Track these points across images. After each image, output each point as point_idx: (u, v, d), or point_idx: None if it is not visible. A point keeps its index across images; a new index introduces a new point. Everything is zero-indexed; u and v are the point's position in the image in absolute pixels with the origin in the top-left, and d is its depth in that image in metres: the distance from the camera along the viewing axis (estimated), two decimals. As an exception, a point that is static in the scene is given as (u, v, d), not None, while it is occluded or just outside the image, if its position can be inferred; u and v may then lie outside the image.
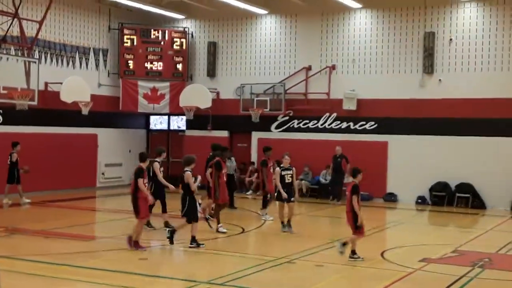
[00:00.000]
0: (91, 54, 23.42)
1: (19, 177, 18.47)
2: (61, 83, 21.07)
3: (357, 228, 11.38)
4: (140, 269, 10.62)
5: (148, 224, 14.38)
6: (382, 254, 12.32)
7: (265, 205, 16.74)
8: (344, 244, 11.49)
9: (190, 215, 12.31)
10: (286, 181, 14.29)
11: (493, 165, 20.11)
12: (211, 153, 15.63)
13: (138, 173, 12.02)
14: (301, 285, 9.84)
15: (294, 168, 14.65)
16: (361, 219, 11.38)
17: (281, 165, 14.51)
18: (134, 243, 12.00)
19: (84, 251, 12.04)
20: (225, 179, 14.42)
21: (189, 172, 12.31)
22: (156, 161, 14.38)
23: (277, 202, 14.95)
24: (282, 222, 14.58)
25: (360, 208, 11.38)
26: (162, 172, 14.45)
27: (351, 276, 10.67)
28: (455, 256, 12.33)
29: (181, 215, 12.53)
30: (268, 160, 16.80)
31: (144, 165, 12.35)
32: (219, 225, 14.32)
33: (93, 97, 21.83)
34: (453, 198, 20.56)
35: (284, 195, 14.12)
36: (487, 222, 18.46)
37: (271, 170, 16.42)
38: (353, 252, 11.49)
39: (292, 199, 14.34)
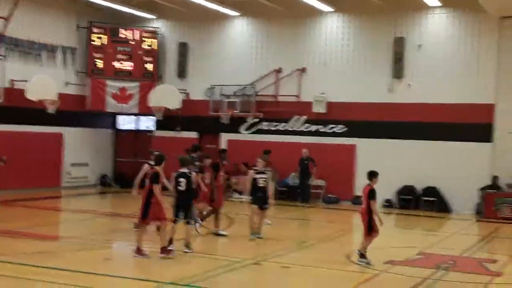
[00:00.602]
0: (59, 52, 23.02)
1: None
2: (27, 81, 20.73)
3: (370, 231, 11.39)
4: (104, 270, 10.47)
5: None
6: (348, 256, 12.35)
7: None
8: (362, 254, 11.45)
9: (193, 219, 12.07)
10: (260, 185, 13.61)
11: (458, 169, 20.35)
12: (193, 155, 14.72)
13: (154, 178, 11.35)
14: (267, 286, 9.80)
15: (270, 172, 14.13)
16: (379, 223, 11.41)
17: (255, 167, 13.88)
18: (136, 250, 11.43)
19: (47, 251, 11.84)
20: (221, 182, 14.03)
21: (194, 173, 11.92)
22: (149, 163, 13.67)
23: (252, 206, 13.81)
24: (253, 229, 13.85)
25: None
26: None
27: (317, 278, 10.66)
28: (420, 258, 12.43)
29: (186, 220, 11.84)
30: (268, 163, 15.90)
31: (160, 169, 11.65)
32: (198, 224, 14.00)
33: (60, 95, 21.52)
34: (420, 202, 20.76)
35: (246, 197, 13.71)
36: (452, 225, 18.69)
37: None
38: (362, 255, 11.45)
39: (266, 206, 13.73)
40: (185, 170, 11.77)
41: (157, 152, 13.09)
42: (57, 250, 12.06)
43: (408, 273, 10.99)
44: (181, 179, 11.65)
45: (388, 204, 21.26)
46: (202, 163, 14.67)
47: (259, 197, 13.66)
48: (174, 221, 11.84)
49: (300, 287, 10.04)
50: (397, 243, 14.50)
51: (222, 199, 14.31)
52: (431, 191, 20.68)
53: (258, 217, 13.87)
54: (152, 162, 13.55)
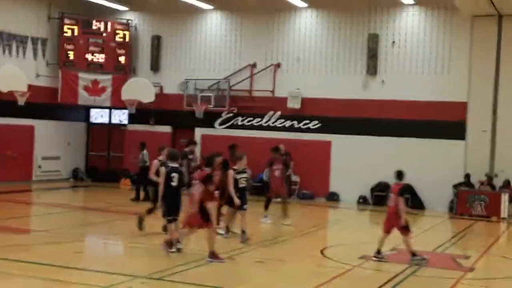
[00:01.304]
0: (29, 43, 22.58)
1: None
2: (-3, 72, 20.29)
3: (406, 228, 11.56)
4: (75, 263, 10.28)
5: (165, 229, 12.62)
6: (322, 252, 12.32)
7: (267, 206, 15.87)
8: (379, 252, 11.67)
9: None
10: (240, 185, 12.80)
11: (432, 166, 20.49)
12: (185, 150, 15.15)
13: (209, 179, 10.83)
14: (240, 280, 9.71)
15: (249, 171, 13.62)
16: (406, 220, 11.59)
17: (234, 168, 12.89)
18: (210, 254, 10.76)
19: (17, 244, 11.59)
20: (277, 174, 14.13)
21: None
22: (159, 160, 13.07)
23: (229, 208, 13.20)
24: (227, 227, 13.29)
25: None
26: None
27: (291, 273, 10.59)
28: (394, 254, 12.42)
29: (173, 217, 11.27)
30: (275, 160, 15.93)
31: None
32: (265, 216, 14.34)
33: (30, 87, 21.07)
34: (393, 198, 20.79)
35: (237, 201, 12.63)
36: (425, 222, 18.77)
37: (275, 173, 15.71)
38: (413, 254, 11.53)
39: (245, 206, 12.90)
40: (175, 164, 11.10)
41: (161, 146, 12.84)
42: (27, 243, 11.82)
43: (382, 268, 11.01)
44: (174, 174, 10.93)
45: (362, 201, 21.33)
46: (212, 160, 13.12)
47: (238, 197, 12.77)
48: (171, 221, 11.11)
49: (273, 281, 9.95)
50: (370, 239, 14.42)
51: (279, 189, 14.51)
52: (405, 187, 20.73)
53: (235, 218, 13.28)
54: (161, 158, 12.95)
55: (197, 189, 10.80)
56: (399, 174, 11.81)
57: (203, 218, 10.69)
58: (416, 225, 18.29)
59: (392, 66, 21.37)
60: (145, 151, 19.18)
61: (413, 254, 11.53)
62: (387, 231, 11.74)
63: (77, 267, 9.98)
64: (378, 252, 11.64)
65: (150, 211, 13.25)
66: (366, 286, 9.64)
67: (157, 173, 12.48)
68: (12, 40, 21.92)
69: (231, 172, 12.82)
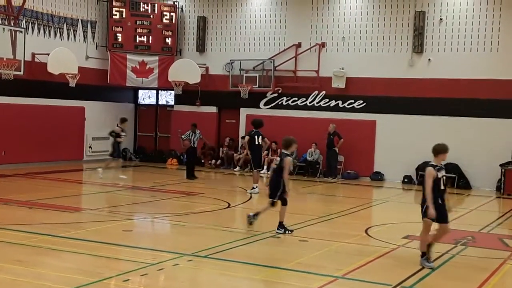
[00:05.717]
0: (79, 25, 23.13)
1: None
2: (48, 54, 20.86)
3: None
4: (124, 241, 10.62)
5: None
6: (366, 231, 12.38)
7: None
8: None
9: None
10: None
11: (479, 145, 20.20)
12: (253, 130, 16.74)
13: None
14: (284, 259, 9.86)
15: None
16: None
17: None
18: None
19: (68, 222, 12.01)
20: None
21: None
22: None
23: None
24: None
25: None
26: None
27: (335, 252, 10.71)
28: (439, 234, 12.36)
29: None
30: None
31: None
32: None
33: (80, 69, 21.65)
34: (439, 178, 20.60)
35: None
36: (472, 202, 18.57)
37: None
38: None
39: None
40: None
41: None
42: (77, 221, 12.22)
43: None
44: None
45: (407, 180, 21.20)
46: None
47: None
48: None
49: (317, 260, 10.08)
50: (416, 219, 14.35)
51: None
52: (451, 167, 20.49)
53: None
54: None
55: None
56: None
57: None
58: (462, 205, 18.16)
59: (439, 44, 21.03)
60: (197, 131, 20.10)
61: None
62: None
63: (125, 244, 10.32)
64: None
65: None
66: (411, 265, 9.67)
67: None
68: (63, 23, 22.46)
69: None
